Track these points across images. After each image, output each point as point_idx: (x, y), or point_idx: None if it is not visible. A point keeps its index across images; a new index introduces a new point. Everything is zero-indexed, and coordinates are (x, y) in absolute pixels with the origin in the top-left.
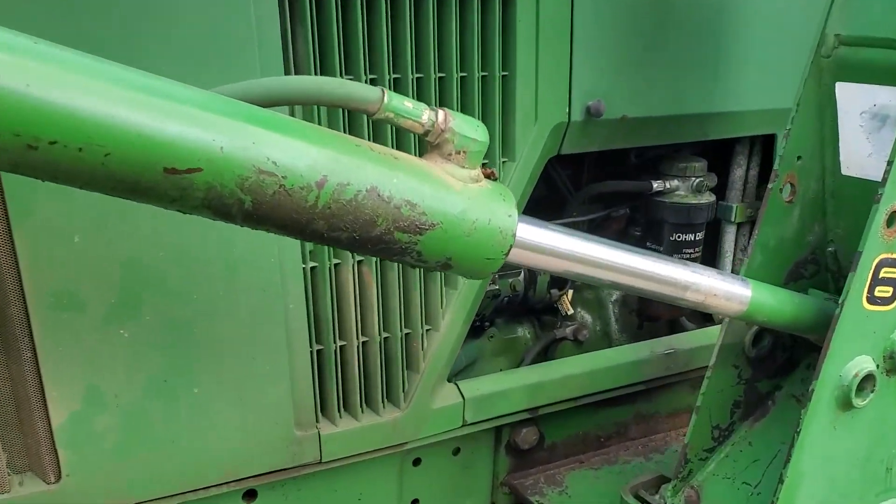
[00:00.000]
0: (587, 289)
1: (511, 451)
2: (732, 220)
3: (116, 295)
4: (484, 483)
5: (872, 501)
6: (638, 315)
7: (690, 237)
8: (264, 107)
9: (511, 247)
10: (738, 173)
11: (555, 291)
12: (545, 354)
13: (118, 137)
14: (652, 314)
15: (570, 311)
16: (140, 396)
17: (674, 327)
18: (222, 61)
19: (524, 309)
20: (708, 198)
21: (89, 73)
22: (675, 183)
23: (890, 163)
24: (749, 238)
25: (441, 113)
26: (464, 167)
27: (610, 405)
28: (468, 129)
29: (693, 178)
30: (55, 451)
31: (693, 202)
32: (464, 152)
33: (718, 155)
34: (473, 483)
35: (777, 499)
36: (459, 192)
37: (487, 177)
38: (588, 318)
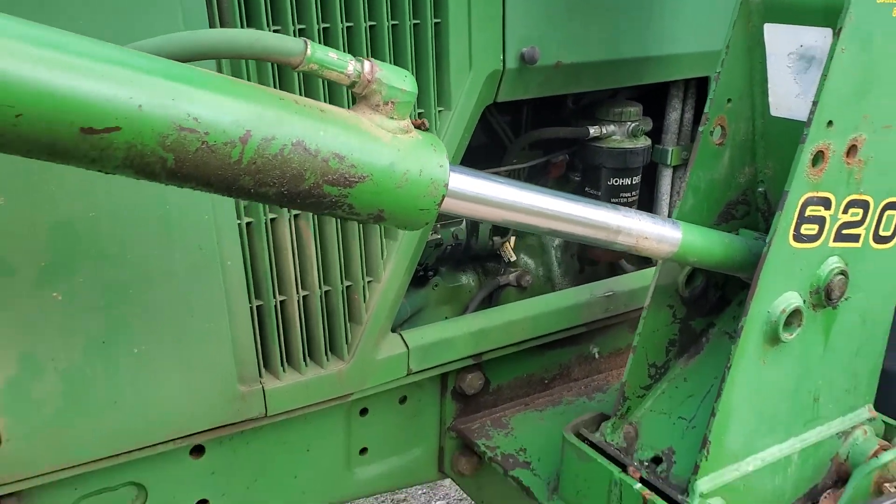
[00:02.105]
0: (530, 235)
1: (457, 396)
2: (668, 163)
3: (47, 258)
4: (431, 429)
5: (801, 430)
6: (579, 259)
7: (627, 181)
8: (183, 62)
9: (444, 197)
10: (673, 117)
11: (497, 239)
12: (489, 301)
13: (29, 97)
14: (593, 258)
15: (513, 258)
16: (78, 360)
17: (614, 270)
18: (141, 13)
19: (467, 257)
20: (643, 142)
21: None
22: (611, 128)
23: (815, 103)
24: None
25: (367, 63)
26: (393, 118)
27: (553, 348)
28: (396, 79)
29: (628, 123)
30: None
31: (629, 146)
32: (392, 103)
33: (654, 99)
34: (421, 430)
35: (710, 431)
36: (389, 143)
37: (418, 127)
38: (531, 263)
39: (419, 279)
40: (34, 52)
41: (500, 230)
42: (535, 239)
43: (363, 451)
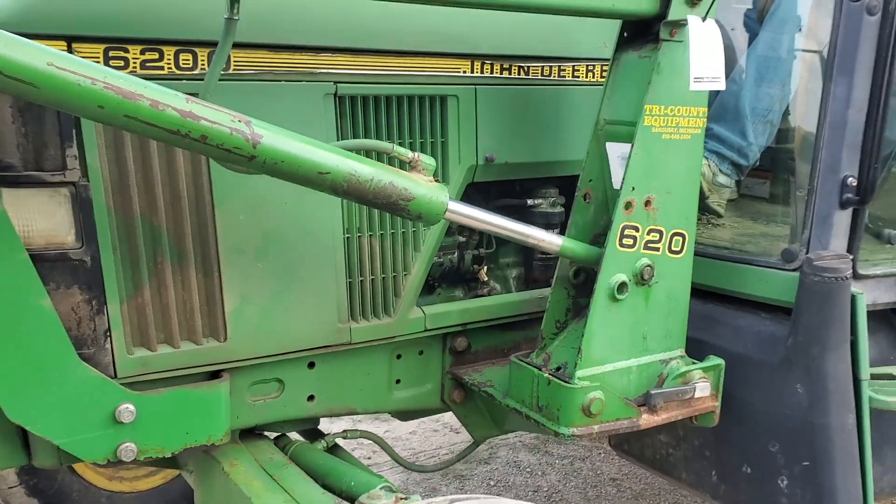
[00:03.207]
0: (497, 268)
1: (452, 352)
2: None
3: (257, 245)
4: (437, 372)
5: (637, 354)
6: (525, 281)
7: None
8: (349, 150)
9: (446, 210)
10: None
11: (476, 266)
12: None
13: (301, 161)
14: (534, 279)
15: (486, 279)
16: (266, 300)
17: (548, 286)
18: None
19: (458, 278)
20: (560, 209)
21: (295, 140)
22: (540, 200)
23: (624, 178)
24: None
25: (417, 154)
26: (425, 176)
27: (509, 329)
28: (427, 160)
29: (550, 198)
30: (225, 325)
31: (550, 211)
32: (425, 170)
33: (571, 184)
34: (431, 372)
35: (581, 344)
36: (424, 185)
37: (436, 181)
38: (497, 285)
39: (429, 288)
40: (307, 147)
41: (478, 260)
42: (500, 270)
43: (398, 381)
